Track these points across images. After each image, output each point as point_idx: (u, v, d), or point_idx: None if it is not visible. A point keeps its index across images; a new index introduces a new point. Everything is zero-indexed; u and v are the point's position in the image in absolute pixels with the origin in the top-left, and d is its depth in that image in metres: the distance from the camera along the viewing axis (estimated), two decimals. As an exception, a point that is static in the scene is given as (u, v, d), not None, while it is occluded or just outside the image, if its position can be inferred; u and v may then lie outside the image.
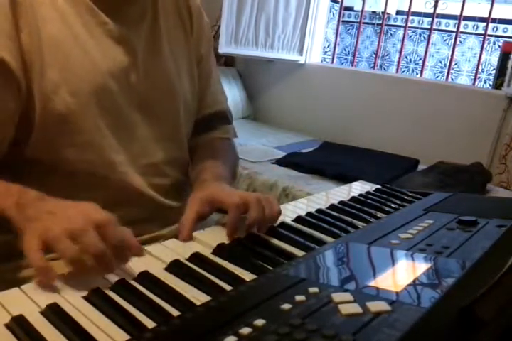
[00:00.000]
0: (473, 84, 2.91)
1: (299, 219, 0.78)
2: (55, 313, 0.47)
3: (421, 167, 2.21)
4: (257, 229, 0.71)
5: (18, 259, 0.77)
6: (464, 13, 2.67)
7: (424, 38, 3.50)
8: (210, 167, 0.89)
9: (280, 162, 2.25)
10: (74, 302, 0.50)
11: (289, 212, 0.83)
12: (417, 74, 3.47)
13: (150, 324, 0.46)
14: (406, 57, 3.64)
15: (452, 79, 3.38)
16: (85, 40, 0.74)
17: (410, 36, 3.59)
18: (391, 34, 3.71)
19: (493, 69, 3.07)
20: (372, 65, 3.45)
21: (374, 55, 3.53)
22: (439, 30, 3.46)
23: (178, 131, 0.89)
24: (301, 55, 2.93)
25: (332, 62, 3.26)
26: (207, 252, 0.64)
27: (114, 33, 0.76)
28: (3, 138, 0.71)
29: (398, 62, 3.10)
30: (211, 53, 0.99)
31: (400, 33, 3.60)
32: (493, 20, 3.08)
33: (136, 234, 0.82)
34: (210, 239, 0.68)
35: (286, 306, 0.45)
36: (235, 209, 0.70)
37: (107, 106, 0.76)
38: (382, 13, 3.43)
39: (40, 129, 0.72)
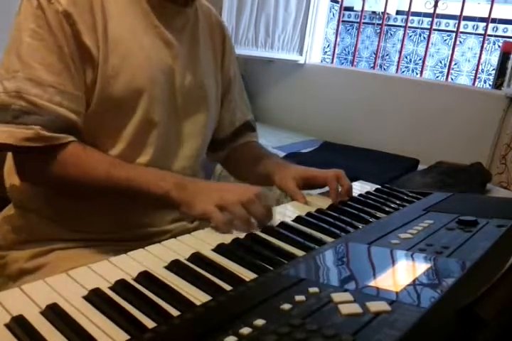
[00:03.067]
0: (473, 84, 2.92)
1: (299, 219, 0.78)
2: (55, 313, 0.47)
3: (421, 167, 2.21)
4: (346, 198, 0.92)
5: (31, 247, 0.81)
6: (464, 13, 2.67)
7: (424, 38, 3.50)
8: (268, 157, 1.06)
9: (280, 162, 2.24)
10: (74, 303, 0.50)
11: (289, 212, 0.83)
12: (417, 74, 3.47)
13: (150, 324, 0.46)
14: (406, 57, 3.64)
15: (452, 79, 3.38)
16: (141, 36, 0.83)
17: (410, 36, 3.59)
18: (391, 34, 3.71)
19: (493, 69, 3.06)
20: (372, 65, 3.45)
21: (374, 55, 3.53)
22: (439, 30, 3.46)
23: (202, 132, 0.95)
24: (301, 55, 2.93)
25: (332, 62, 3.26)
26: (207, 252, 0.64)
27: (163, 36, 0.85)
28: (81, 111, 0.78)
29: (398, 62, 3.10)
30: (238, 73, 1.08)
31: (400, 33, 3.60)
32: (493, 20, 3.08)
33: (149, 225, 0.86)
34: (210, 238, 0.68)
35: (286, 306, 0.45)
36: (333, 181, 0.92)
37: (156, 96, 0.83)
38: (382, 13, 3.43)
39: (94, 111, 0.79)
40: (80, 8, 0.76)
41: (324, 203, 0.88)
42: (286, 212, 0.84)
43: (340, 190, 0.93)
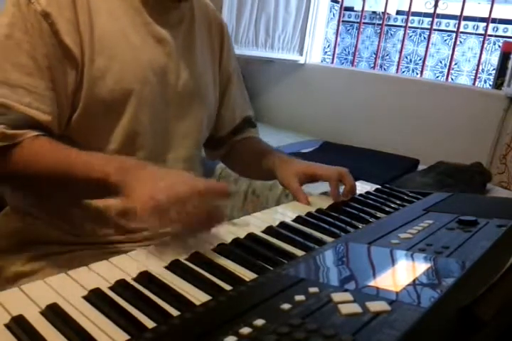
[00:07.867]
0: (473, 84, 2.91)
1: (299, 219, 0.78)
2: (55, 313, 0.47)
3: (421, 167, 2.21)
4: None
5: (27, 250, 0.80)
6: (464, 13, 2.67)
7: (424, 38, 3.50)
8: (269, 152, 1.02)
9: (280, 162, 2.25)
10: (74, 302, 0.50)
11: (289, 212, 0.83)
12: (417, 74, 3.47)
13: (150, 324, 0.46)
14: (406, 57, 3.64)
15: (452, 79, 3.38)
16: (130, 35, 0.81)
17: (410, 36, 3.59)
18: (391, 34, 3.71)
19: (493, 69, 3.06)
20: (372, 65, 3.45)
21: (374, 55, 3.53)
22: (439, 30, 3.46)
23: (199, 130, 0.94)
24: (301, 55, 2.93)
25: (332, 62, 3.26)
26: (207, 252, 0.64)
27: (156, 33, 0.83)
28: (63, 115, 0.77)
29: (398, 62, 3.09)
30: (237, 69, 1.07)
31: (400, 33, 3.60)
32: (493, 20, 3.08)
33: (145, 229, 0.85)
34: (210, 238, 0.68)
35: (286, 306, 0.45)
36: (336, 180, 0.90)
37: (146, 97, 0.82)
38: (382, 13, 3.43)
39: (83, 112, 0.78)
40: (61, 7, 0.74)
41: (325, 203, 0.88)
42: (286, 212, 0.84)
43: (342, 189, 0.92)
